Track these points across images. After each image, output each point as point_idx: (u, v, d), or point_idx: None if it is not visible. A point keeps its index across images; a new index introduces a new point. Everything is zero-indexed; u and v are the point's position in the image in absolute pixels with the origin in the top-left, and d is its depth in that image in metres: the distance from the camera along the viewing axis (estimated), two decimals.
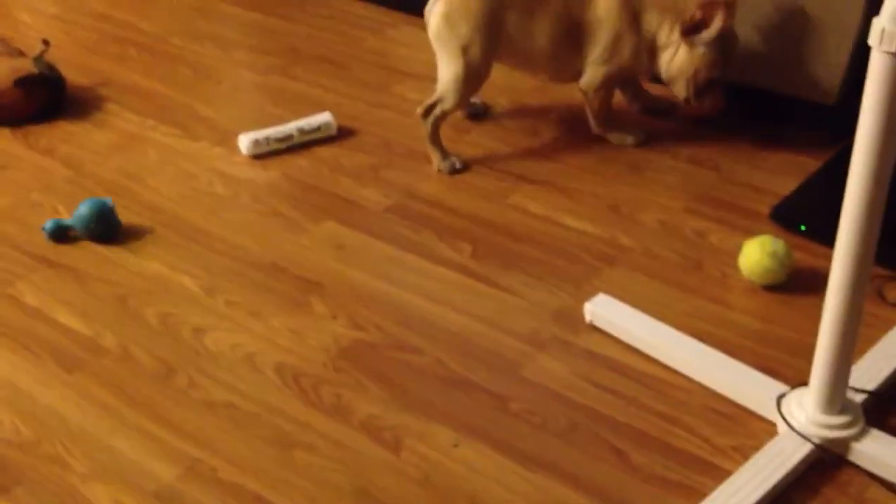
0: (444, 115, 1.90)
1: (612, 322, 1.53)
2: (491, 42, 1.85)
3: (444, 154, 1.94)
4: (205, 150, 2.04)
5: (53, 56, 2.32)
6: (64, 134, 2.08)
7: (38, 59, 2.14)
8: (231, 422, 1.38)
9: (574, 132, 2.06)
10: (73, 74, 2.29)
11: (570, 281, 1.65)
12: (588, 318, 1.55)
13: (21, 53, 2.21)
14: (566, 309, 1.58)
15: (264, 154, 2.02)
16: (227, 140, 2.06)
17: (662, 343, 1.49)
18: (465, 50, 1.84)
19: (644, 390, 1.43)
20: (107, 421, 1.38)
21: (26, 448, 1.33)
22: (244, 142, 2.02)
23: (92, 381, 1.45)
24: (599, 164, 1.95)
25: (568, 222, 1.79)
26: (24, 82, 2.08)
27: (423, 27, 1.91)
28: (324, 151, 2.02)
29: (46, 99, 2.12)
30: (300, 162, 2.00)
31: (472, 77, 1.87)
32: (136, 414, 1.39)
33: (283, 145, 2.03)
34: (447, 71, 1.87)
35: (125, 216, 1.81)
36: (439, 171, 1.93)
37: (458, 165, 1.94)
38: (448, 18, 1.84)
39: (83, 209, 1.73)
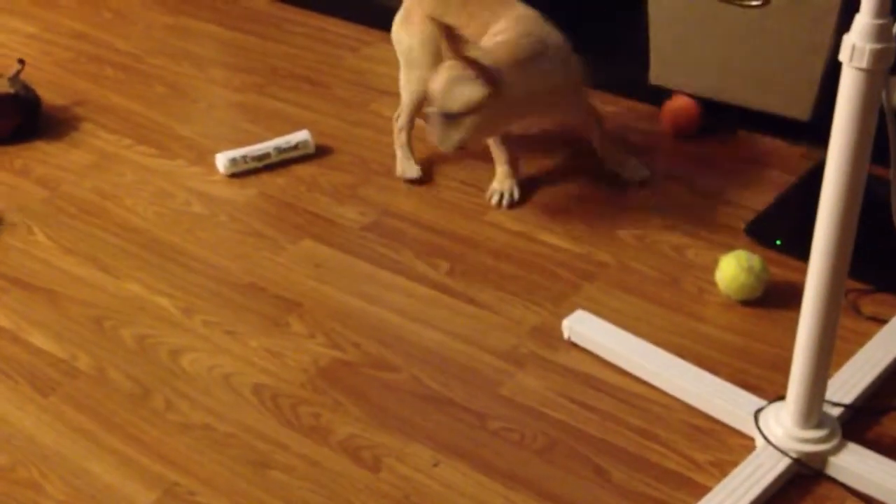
0: (404, 117, 1.96)
1: (590, 338, 1.53)
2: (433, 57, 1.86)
3: (406, 160, 1.96)
4: (182, 169, 2.03)
5: (29, 76, 2.31)
6: (40, 154, 2.07)
7: (13, 79, 2.13)
8: (208, 443, 1.37)
9: (550, 151, 2.06)
10: (50, 94, 2.28)
11: (547, 297, 1.65)
12: (566, 334, 1.55)
13: None
14: (544, 325, 1.59)
15: (242, 173, 2.01)
16: (204, 159, 2.06)
17: (640, 359, 1.49)
18: (408, 55, 1.91)
19: (622, 406, 1.43)
20: (83, 444, 1.37)
21: (2, 473, 1.32)
22: (221, 160, 2.01)
23: (67, 404, 1.43)
24: (576, 181, 1.96)
25: (545, 239, 1.79)
26: (0, 102, 2.07)
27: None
28: (301, 170, 2.02)
29: (22, 119, 2.11)
30: (278, 180, 1.99)
31: (416, 80, 1.90)
32: (112, 437, 1.38)
33: (260, 164, 2.03)
34: (401, 75, 1.95)
35: (102, 236, 1.80)
36: (398, 175, 1.96)
37: (410, 174, 1.94)
38: (396, 26, 1.95)
39: None
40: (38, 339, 1.56)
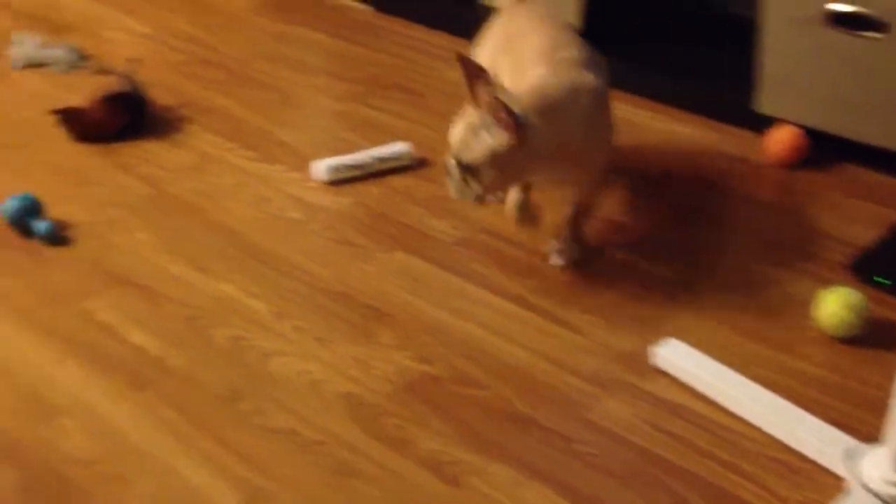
0: None
1: (679, 366, 1.50)
2: None
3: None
4: (280, 175, 2.06)
5: (140, 75, 2.38)
6: (145, 152, 2.13)
7: (127, 78, 2.20)
8: (293, 449, 1.39)
9: (648, 176, 2.04)
10: (158, 94, 2.34)
11: (637, 322, 1.63)
12: (655, 361, 1.53)
13: (110, 71, 2.27)
14: (633, 351, 1.57)
15: (339, 181, 2.04)
16: (302, 165, 2.09)
17: (730, 390, 1.46)
18: None
19: (709, 437, 1.41)
20: (172, 442, 1.40)
21: (93, 466, 1.35)
22: (320, 167, 2.04)
23: (159, 401, 1.47)
24: (674, 206, 1.93)
25: (639, 262, 1.77)
26: (112, 99, 2.13)
27: None
28: (397, 181, 2.04)
29: (131, 117, 2.17)
30: (373, 190, 2.01)
31: None
32: (200, 437, 1.41)
33: (358, 173, 2.05)
34: None
35: (200, 237, 1.85)
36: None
37: (493, 198, 1.83)
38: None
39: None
40: (135, 335, 1.60)
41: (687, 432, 1.42)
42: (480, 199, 1.61)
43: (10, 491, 1.31)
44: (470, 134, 1.56)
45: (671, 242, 1.83)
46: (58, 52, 2.48)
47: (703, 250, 1.80)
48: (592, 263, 1.78)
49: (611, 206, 1.93)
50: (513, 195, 1.75)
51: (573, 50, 1.69)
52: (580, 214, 1.76)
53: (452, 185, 1.61)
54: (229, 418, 1.44)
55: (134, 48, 2.60)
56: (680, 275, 1.74)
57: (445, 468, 1.36)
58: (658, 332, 1.59)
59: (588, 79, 1.64)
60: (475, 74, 1.54)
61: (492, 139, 1.55)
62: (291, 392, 1.49)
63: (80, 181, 2.01)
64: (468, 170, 1.57)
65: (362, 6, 2.92)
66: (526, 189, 1.76)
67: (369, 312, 1.67)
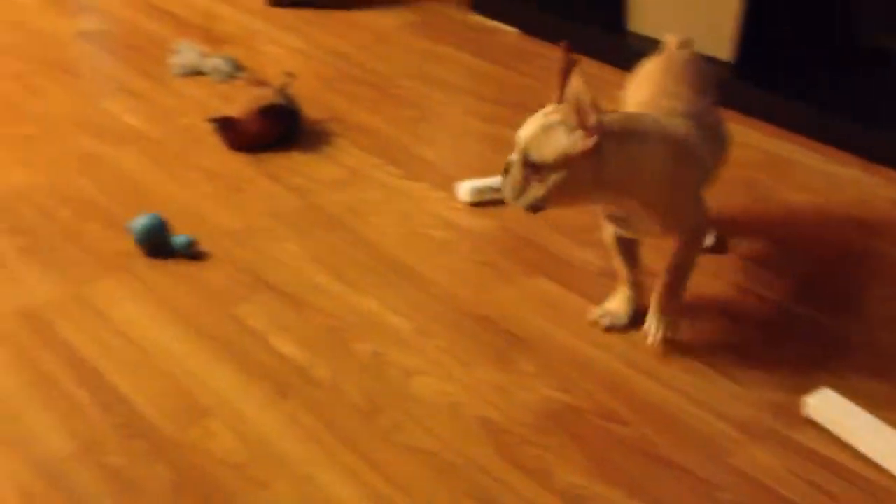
0: None
1: (832, 419, 1.45)
2: None
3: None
4: (425, 193, 2.08)
5: (293, 88, 2.44)
6: (295, 164, 2.17)
7: (281, 91, 2.25)
8: (432, 470, 1.39)
9: (803, 216, 1.98)
10: (308, 107, 2.39)
11: (790, 371, 1.57)
12: (807, 411, 1.47)
13: (265, 84, 2.33)
14: (783, 399, 1.51)
15: (483, 202, 2.04)
16: (446, 185, 2.10)
17: (886, 447, 1.39)
18: None
19: (862, 495, 1.35)
20: (314, 452, 1.41)
21: (239, 469, 1.38)
22: (464, 188, 2.05)
23: (303, 411, 1.49)
24: (826, 245, 1.87)
25: (791, 307, 1.72)
26: (266, 111, 2.19)
27: None
28: None
29: (284, 129, 2.22)
30: (517, 214, 1.99)
31: None
32: (342, 448, 1.42)
33: (500, 196, 2.04)
34: None
35: (346, 250, 1.87)
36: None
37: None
38: None
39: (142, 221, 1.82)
40: (282, 343, 1.63)
41: (838, 488, 1.36)
42: (536, 208, 1.49)
43: (165, 488, 1.35)
44: (545, 130, 1.45)
45: (828, 289, 1.76)
46: (216, 62, 2.56)
47: (861, 298, 1.73)
48: (744, 307, 1.73)
49: (765, 244, 1.88)
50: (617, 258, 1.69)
51: (684, 102, 1.60)
52: (671, 281, 1.61)
53: (509, 186, 1.49)
54: (370, 433, 1.45)
55: (287, 62, 2.67)
56: (835, 321, 1.67)
57: (585, 503, 1.34)
58: (811, 382, 1.53)
59: (678, 129, 1.53)
60: (569, 68, 1.45)
61: (568, 139, 1.44)
62: (431, 412, 1.50)
63: (232, 188, 2.07)
64: (534, 169, 1.45)
65: (509, 29, 2.93)
66: (632, 250, 1.69)
67: (510, 338, 1.66)
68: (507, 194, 1.50)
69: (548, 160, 1.44)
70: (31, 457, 1.39)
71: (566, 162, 1.44)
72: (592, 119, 1.42)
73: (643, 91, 1.68)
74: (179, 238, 1.83)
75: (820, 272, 1.82)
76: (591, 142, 1.43)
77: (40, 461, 1.38)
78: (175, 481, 1.36)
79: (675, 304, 1.62)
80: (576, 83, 1.40)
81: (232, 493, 1.34)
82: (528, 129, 1.47)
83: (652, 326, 1.62)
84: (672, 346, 1.63)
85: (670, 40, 1.84)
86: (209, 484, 1.35)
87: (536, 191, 1.47)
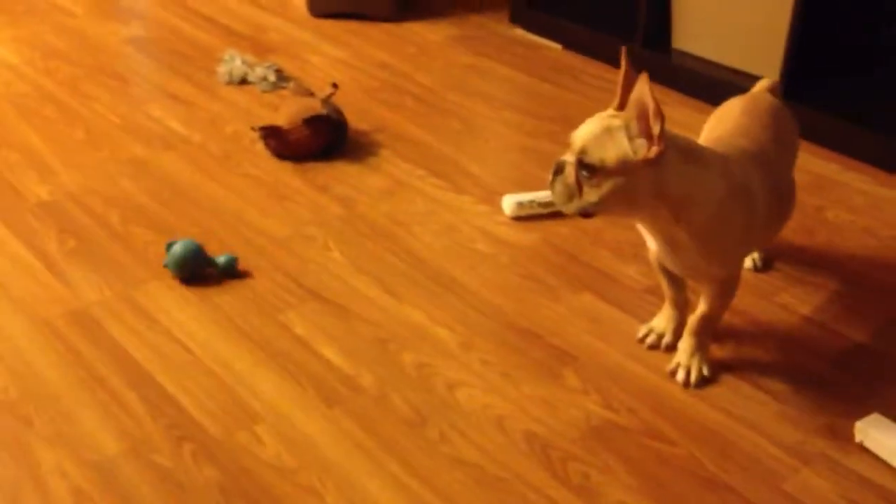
0: None
1: (886, 445, 1.43)
2: None
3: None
4: (469, 206, 2.08)
5: (337, 98, 2.46)
6: (340, 174, 2.18)
7: (327, 101, 2.26)
8: (478, 483, 1.39)
9: (851, 235, 1.96)
10: (354, 118, 2.40)
11: (840, 395, 1.56)
12: (859, 437, 1.46)
13: (311, 93, 2.34)
14: (834, 424, 1.50)
15: (526, 217, 2.04)
16: (490, 198, 2.10)
17: None
18: None
19: None
20: (361, 460, 1.41)
21: (285, 474, 1.38)
22: (508, 202, 2.05)
23: (349, 419, 1.49)
24: (875, 267, 1.85)
25: (840, 329, 1.70)
26: (312, 121, 2.20)
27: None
28: (586, 222, 2.02)
29: (330, 139, 2.23)
30: (561, 229, 2.00)
31: None
32: (388, 458, 1.42)
33: (545, 210, 2.05)
34: None
35: (391, 260, 1.88)
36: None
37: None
38: None
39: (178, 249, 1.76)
40: (328, 351, 1.63)
41: None
42: (587, 214, 1.44)
43: (212, 490, 1.35)
44: (605, 133, 1.40)
45: (876, 312, 1.74)
46: (262, 72, 2.58)
47: None
48: (792, 329, 1.71)
49: (812, 266, 1.87)
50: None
51: (752, 144, 1.56)
52: (700, 329, 1.59)
53: (559, 188, 1.43)
54: (416, 444, 1.45)
55: (332, 73, 2.69)
56: (887, 345, 1.66)
57: None
58: (861, 407, 1.52)
59: (741, 170, 1.48)
60: (629, 80, 1.43)
61: (629, 145, 1.38)
62: (476, 424, 1.49)
63: (278, 196, 2.08)
64: (590, 171, 1.40)
65: (552, 44, 2.93)
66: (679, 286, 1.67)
67: (555, 353, 1.65)
68: (558, 198, 1.44)
69: (607, 163, 1.39)
70: (81, 455, 1.40)
71: (625, 168, 1.38)
72: (657, 128, 1.36)
73: (720, 128, 1.64)
74: (220, 258, 1.80)
75: (868, 295, 1.80)
76: (654, 150, 1.37)
77: (90, 460, 1.39)
78: (222, 484, 1.36)
79: (704, 350, 1.61)
80: (642, 89, 1.35)
81: (279, 499, 1.34)
82: (585, 130, 1.41)
83: (681, 372, 1.60)
84: (719, 366, 1.62)
85: (761, 82, 1.81)
86: (256, 488, 1.36)
87: (590, 195, 1.41)
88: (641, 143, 1.38)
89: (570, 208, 1.44)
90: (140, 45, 2.82)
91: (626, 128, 1.39)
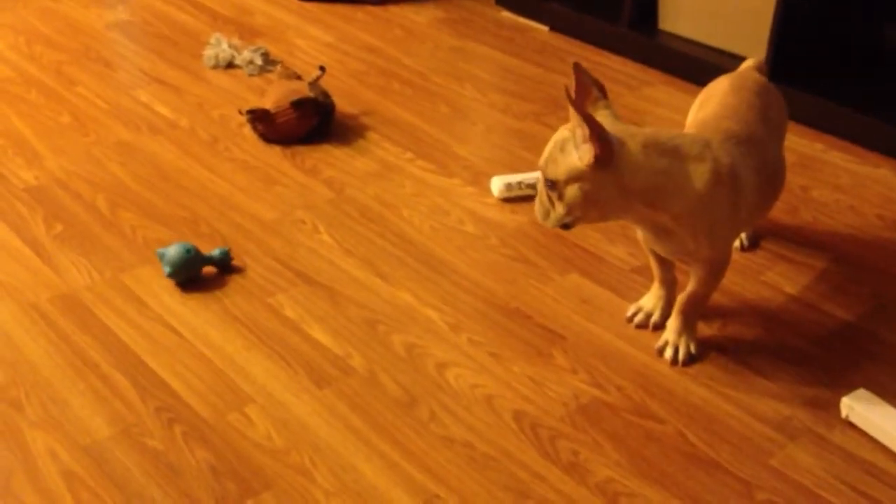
0: None
1: (871, 421, 1.44)
2: None
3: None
4: (457, 188, 2.08)
5: (324, 82, 2.45)
6: (328, 157, 2.18)
7: (314, 84, 2.26)
8: (469, 461, 1.40)
9: (835, 216, 1.98)
10: (341, 101, 2.40)
11: (825, 371, 1.57)
12: (845, 412, 1.47)
13: (297, 77, 2.34)
14: (819, 400, 1.51)
15: (515, 198, 2.05)
16: (478, 180, 2.10)
17: None
18: None
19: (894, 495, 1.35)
20: (352, 441, 1.42)
21: (277, 455, 1.39)
22: (496, 184, 2.05)
23: (340, 400, 1.50)
24: (858, 245, 1.86)
25: (827, 308, 1.72)
26: (299, 104, 2.19)
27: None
28: None
29: (317, 122, 2.23)
30: None
31: None
32: (379, 439, 1.43)
33: (534, 191, 2.05)
34: None
35: (380, 243, 1.88)
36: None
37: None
38: None
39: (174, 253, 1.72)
40: (318, 333, 1.63)
41: (878, 493, 1.36)
42: (565, 226, 1.49)
43: (204, 472, 1.36)
44: (557, 148, 1.46)
45: (860, 290, 1.76)
46: (249, 55, 2.58)
47: (894, 299, 1.73)
48: (778, 307, 1.73)
49: (797, 244, 1.88)
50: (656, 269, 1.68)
51: (738, 124, 1.56)
52: (688, 309, 1.60)
53: (537, 206, 1.52)
54: (407, 424, 1.46)
55: (318, 56, 2.68)
56: (869, 323, 1.67)
57: (621, 499, 1.34)
58: (846, 383, 1.53)
59: (727, 153, 1.49)
60: (582, 88, 1.48)
61: (576, 153, 1.43)
62: (466, 404, 1.50)
63: (266, 180, 2.08)
64: (553, 187, 1.46)
65: (539, 26, 2.93)
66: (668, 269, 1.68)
67: (543, 333, 1.66)
68: (538, 216, 1.53)
69: (560, 177, 1.45)
70: (73, 439, 1.40)
71: (578, 176, 1.43)
72: (588, 131, 1.39)
73: (706, 109, 1.64)
74: (214, 252, 1.77)
75: (853, 273, 1.82)
76: (600, 154, 1.40)
77: (81, 443, 1.39)
78: (214, 465, 1.37)
79: (692, 329, 1.62)
80: (585, 104, 1.44)
81: (271, 479, 1.35)
82: (546, 149, 1.49)
83: (669, 350, 1.61)
84: (706, 344, 1.63)
85: (747, 61, 1.81)
86: (248, 469, 1.36)
87: (559, 208, 1.48)
88: (586, 148, 1.42)
89: (549, 223, 1.52)
90: (125, 30, 2.81)
91: (573, 137, 1.45)
